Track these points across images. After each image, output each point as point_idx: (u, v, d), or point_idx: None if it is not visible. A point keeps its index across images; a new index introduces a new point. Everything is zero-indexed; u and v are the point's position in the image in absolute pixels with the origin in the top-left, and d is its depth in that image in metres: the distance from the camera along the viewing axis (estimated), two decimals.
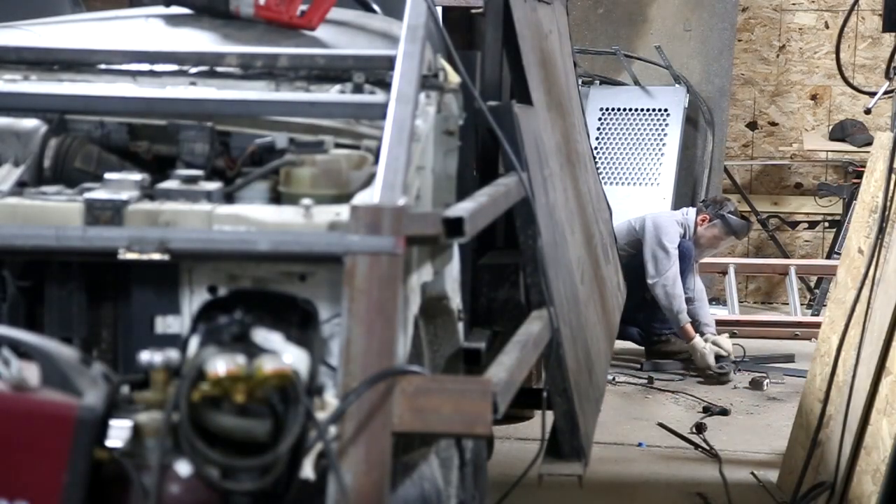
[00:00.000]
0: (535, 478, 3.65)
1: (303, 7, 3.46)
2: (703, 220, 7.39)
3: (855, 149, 9.40)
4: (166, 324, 2.44)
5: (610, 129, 8.99)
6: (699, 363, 7.11)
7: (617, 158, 8.90)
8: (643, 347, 7.45)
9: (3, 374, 2.10)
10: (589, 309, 4.42)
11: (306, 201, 2.42)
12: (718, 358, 7.14)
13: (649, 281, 7.12)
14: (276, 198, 2.56)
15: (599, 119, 8.96)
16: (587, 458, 3.90)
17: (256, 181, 2.57)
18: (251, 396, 2.13)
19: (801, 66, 9.86)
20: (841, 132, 9.55)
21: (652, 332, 7.38)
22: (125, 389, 2.23)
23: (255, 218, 2.39)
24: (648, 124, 8.95)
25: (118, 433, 2.14)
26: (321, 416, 2.18)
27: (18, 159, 2.70)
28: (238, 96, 2.88)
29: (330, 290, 2.36)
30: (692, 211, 7.52)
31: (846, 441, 4.33)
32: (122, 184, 2.48)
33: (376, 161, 2.53)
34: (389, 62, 2.87)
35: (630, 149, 8.90)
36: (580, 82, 7.86)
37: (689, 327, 7.15)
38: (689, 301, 7.35)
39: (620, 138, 8.95)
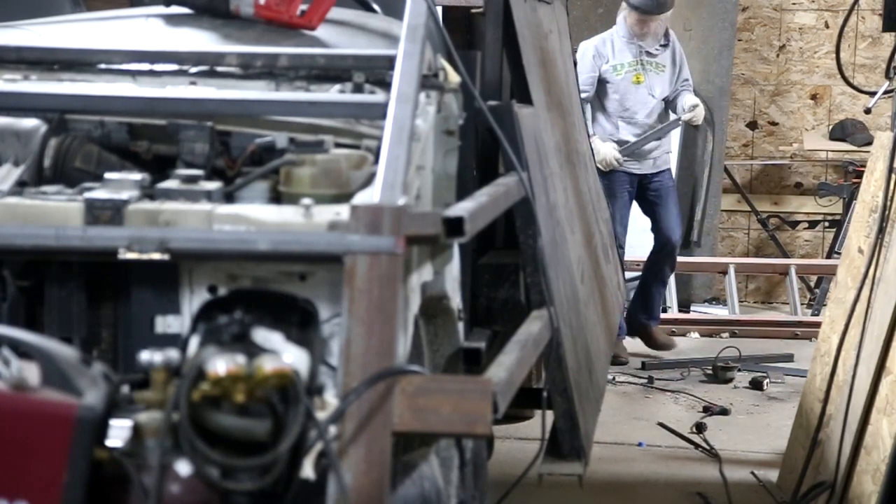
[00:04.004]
0: (535, 477, 3.66)
1: (303, 7, 3.46)
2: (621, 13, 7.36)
3: (855, 148, 9.39)
4: (166, 323, 2.44)
5: None
6: (600, 161, 6.96)
7: None
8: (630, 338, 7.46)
9: (3, 374, 2.10)
10: (589, 308, 4.42)
11: (306, 201, 2.41)
12: (728, 368, 7.10)
13: None
14: (276, 198, 2.56)
15: None
16: (587, 457, 3.90)
17: (256, 181, 2.57)
18: (251, 396, 2.13)
19: (801, 66, 9.85)
20: (841, 132, 9.54)
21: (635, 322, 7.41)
22: (125, 389, 2.23)
23: (255, 218, 2.38)
24: None
25: (118, 433, 2.14)
26: (321, 415, 2.18)
27: (18, 159, 2.70)
28: (238, 96, 2.88)
29: (330, 290, 2.36)
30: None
31: (846, 441, 4.33)
32: (122, 183, 2.48)
33: (376, 161, 2.53)
34: (389, 62, 2.87)
35: None
36: None
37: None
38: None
39: None
